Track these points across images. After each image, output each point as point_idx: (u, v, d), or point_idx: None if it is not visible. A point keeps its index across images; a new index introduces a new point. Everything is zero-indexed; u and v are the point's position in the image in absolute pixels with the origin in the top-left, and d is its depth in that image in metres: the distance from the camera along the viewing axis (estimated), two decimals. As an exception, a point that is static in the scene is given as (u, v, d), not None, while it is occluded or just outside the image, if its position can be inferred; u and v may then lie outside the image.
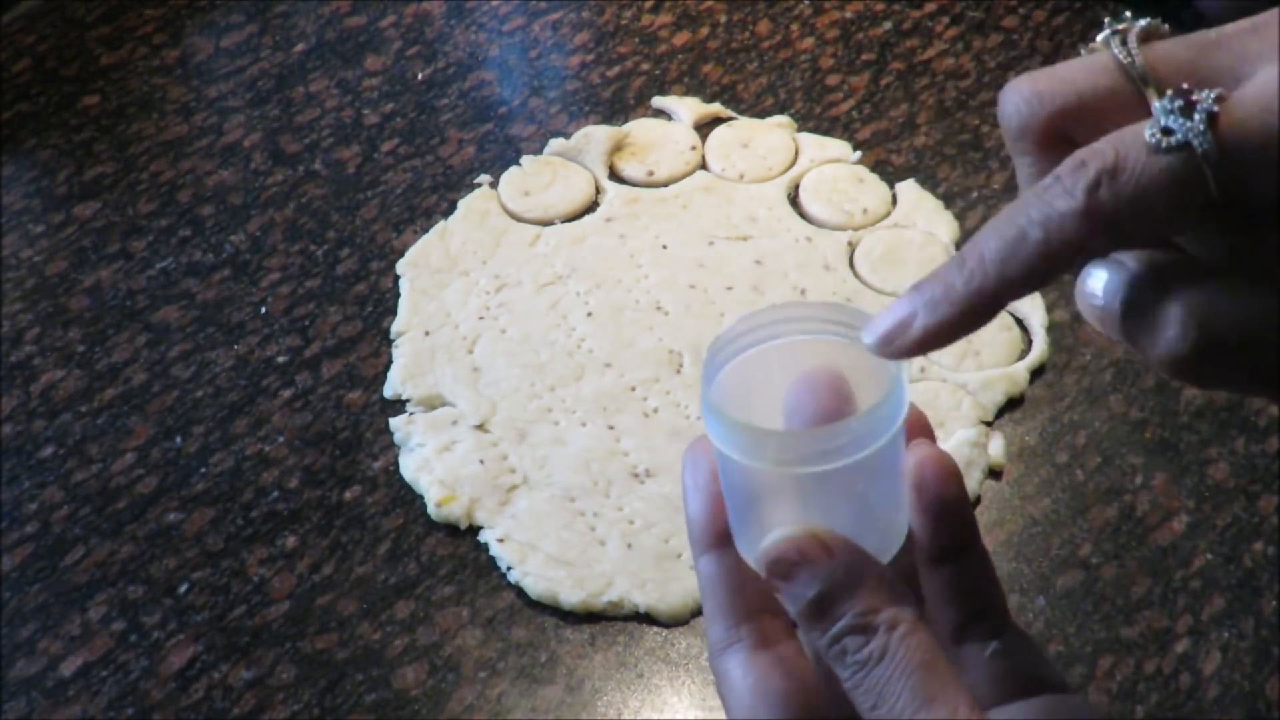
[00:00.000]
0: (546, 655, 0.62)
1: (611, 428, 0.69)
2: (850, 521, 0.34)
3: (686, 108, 0.86)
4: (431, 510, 0.66)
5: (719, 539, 0.36)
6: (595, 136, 0.83)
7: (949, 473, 0.35)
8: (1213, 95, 0.30)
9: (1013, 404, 0.71)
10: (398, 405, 0.71)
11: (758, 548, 0.34)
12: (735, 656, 0.35)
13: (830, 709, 0.35)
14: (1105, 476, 0.68)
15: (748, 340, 0.36)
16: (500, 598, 0.64)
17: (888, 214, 0.80)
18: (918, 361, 0.72)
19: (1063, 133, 0.33)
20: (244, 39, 0.92)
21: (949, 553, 0.35)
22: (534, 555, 0.64)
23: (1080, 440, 0.70)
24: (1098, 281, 0.32)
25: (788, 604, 0.33)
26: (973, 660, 0.35)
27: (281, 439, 0.70)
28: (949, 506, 0.35)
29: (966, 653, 0.35)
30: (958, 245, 0.78)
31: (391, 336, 0.74)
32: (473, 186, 0.82)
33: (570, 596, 0.63)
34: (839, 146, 0.84)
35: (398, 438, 0.69)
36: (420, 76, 0.89)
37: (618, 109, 0.87)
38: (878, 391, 0.34)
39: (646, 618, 0.63)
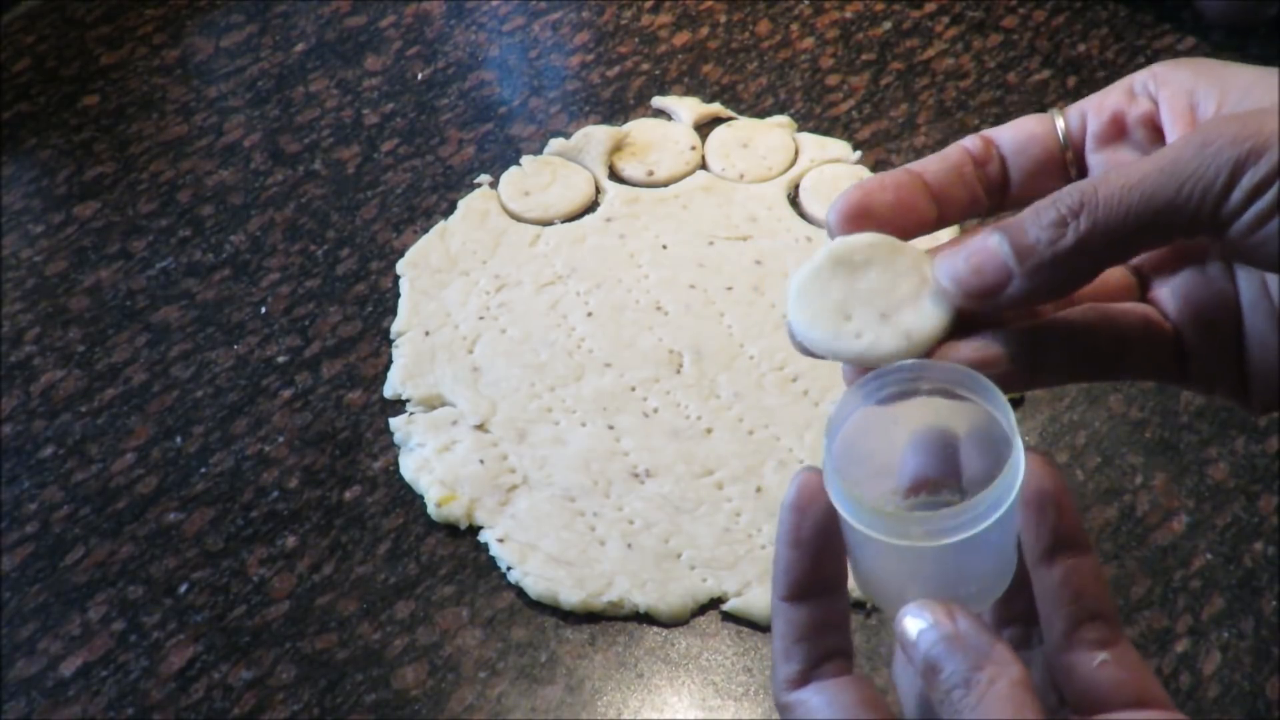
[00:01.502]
0: (546, 655, 0.62)
1: (611, 428, 0.69)
2: (968, 567, 0.37)
3: (686, 108, 0.86)
4: (431, 510, 0.66)
5: (802, 592, 0.38)
6: (595, 136, 0.83)
7: (1048, 468, 0.36)
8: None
9: (1013, 404, 0.71)
10: (398, 405, 0.71)
11: (878, 594, 0.38)
12: (813, 689, 0.38)
13: None
14: (1105, 476, 0.68)
15: (859, 402, 0.38)
16: (500, 598, 0.64)
17: (888, 214, 0.79)
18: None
19: None
20: (244, 39, 0.92)
21: (1055, 550, 0.36)
22: (534, 555, 0.64)
23: (1080, 440, 0.70)
24: None
25: (913, 660, 0.36)
26: (1082, 668, 0.36)
27: (281, 439, 0.70)
28: (1050, 500, 0.36)
29: (1076, 660, 0.36)
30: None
31: (391, 336, 0.74)
32: (473, 186, 0.82)
33: (570, 596, 0.63)
34: (839, 146, 0.84)
35: (398, 438, 0.69)
36: (420, 76, 0.89)
37: (618, 109, 0.87)
38: (985, 440, 0.37)
39: (646, 618, 0.63)
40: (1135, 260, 0.41)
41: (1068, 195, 0.36)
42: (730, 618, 0.63)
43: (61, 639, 0.62)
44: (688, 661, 0.62)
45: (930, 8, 0.94)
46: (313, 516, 0.67)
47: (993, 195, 0.41)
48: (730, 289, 0.76)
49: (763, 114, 0.86)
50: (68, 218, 0.81)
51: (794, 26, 0.93)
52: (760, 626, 0.63)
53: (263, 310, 0.76)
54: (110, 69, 0.90)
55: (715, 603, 0.64)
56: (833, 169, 0.82)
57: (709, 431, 0.69)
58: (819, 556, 0.38)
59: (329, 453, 0.69)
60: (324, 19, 0.94)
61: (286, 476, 0.68)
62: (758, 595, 0.63)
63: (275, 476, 0.68)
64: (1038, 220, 0.36)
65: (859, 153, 0.83)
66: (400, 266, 0.77)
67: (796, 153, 0.83)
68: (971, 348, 0.38)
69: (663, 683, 0.61)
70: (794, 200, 0.81)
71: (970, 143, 0.41)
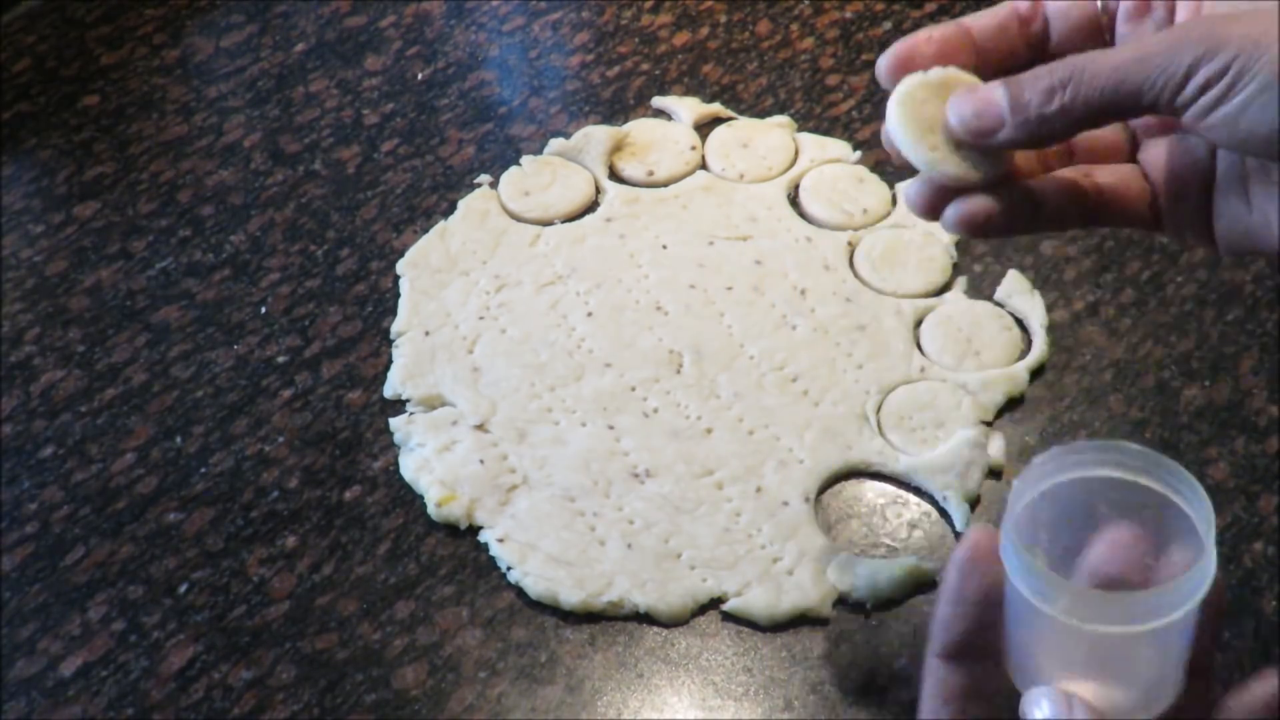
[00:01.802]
0: (546, 655, 0.62)
1: (611, 428, 0.69)
2: (1121, 667, 0.35)
3: (686, 108, 0.86)
4: (431, 510, 0.66)
5: (958, 651, 0.38)
6: (595, 136, 0.83)
7: (1220, 597, 0.37)
8: None
9: (1013, 404, 0.71)
10: (398, 405, 0.71)
11: (1020, 670, 0.37)
12: None
13: None
14: (1105, 476, 0.68)
15: (1053, 472, 0.37)
16: (500, 598, 0.64)
17: (888, 214, 0.79)
18: (917, 361, 0.72)
19: None
20: (244, 39, 0.92)
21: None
22: (534, 555, 0.64)
23: (1080, 440, 0.70)
24: None
25: None
26: None
27: (281, 439, 0.70)
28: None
29: None
30: (958, 246, 0.78)
31: (391, 336, 0.74)
32: (473, 186, 0.82)
33: (570, 596, 0.63)
34: (839, 146, 0.84)
35: (398, 438, 0.69)
36: (420, 76, 0.90)
37: (618, 109, 0.87)
38: (1178, 543, 0.36)
39: (646, 618, 0.63)
40: (1134, 125, 0.50)
41: (1062, 69, 0.42)
42: (730, 618, 0.63)
43: (61, 639, 0.62)
44: (688, 661, 0.62)
45: (930, 8, 0.94)
46: (313, 516, 0.67)
47: (1031, 50, 0.47)
48: (730, 289, 0.76)
49: (763, 114, 0.86)
50: (68, 218, 0.81)
51: (794, 26, 0.93)
52: (760, 627, 0.63)
53: (263, 310, 0.76)
54: (110, 69, 0.90)
55: (715, 603, 0.64)
56: (832, 169, 0.82)
57: (709, 431, 0.69)
58: (980, 619, 0.37)
59: (329, 453, 0.69)
60: (324, 19, 0.94)
61: (286, 476, 0.68)
62: (758, 595, 0.63)
63: (275, 476, 0.68)
64: (1034, 85, 0.43)
65: (859, 153, 0.83)
66: (400, 266, 0.77)
67: (796, 153, 0.83)
68: (984, 195, 0.45)
69: (663, 683, 0.61)
70: (794, 200, 0.81)
71: (1020, 3, 0.47)
